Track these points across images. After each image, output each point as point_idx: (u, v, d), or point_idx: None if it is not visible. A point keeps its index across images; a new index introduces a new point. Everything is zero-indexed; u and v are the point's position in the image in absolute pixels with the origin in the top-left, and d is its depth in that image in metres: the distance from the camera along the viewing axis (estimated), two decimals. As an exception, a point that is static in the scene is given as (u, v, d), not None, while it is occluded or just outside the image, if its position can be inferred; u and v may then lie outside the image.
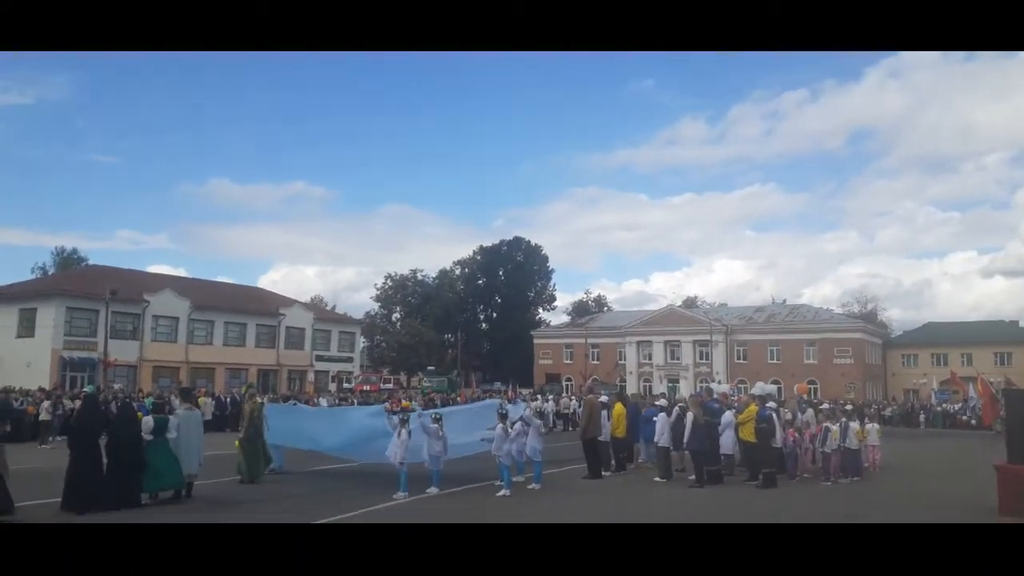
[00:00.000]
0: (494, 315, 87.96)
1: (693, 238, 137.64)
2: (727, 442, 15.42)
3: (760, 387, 22.63)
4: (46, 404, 23.55)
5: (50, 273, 71.06)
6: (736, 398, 19.79)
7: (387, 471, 13.81)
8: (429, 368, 67.49)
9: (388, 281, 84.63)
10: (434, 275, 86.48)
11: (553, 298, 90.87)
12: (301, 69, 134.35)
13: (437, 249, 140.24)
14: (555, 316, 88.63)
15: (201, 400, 25.20)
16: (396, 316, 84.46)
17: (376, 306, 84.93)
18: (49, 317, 41.97)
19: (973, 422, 39.13)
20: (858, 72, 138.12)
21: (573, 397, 36.98)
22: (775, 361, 63.05)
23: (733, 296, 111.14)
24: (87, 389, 18.01)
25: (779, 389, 43.92)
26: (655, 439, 15.94)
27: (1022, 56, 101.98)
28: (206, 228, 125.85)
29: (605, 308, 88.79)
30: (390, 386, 56.62)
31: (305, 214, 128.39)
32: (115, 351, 39.46)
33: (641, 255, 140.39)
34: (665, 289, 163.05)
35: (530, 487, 13.82)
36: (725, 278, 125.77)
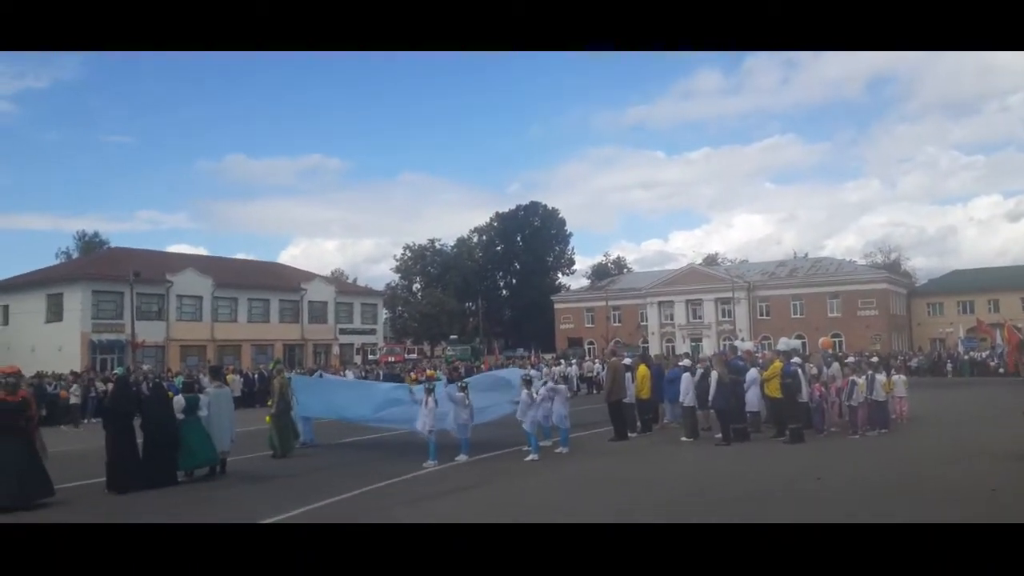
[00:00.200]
0: (514, 281, 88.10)
1: (712, 194, 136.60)
2: (753, 399, 15.42)
3: (784, 342, 22.61)
4: (75, 388, 24.01)
5: (74, 257, 72.00)
6: (760, 355, 19.74)
7: (416, 441, 13.98)
8: (452, 337, 67.95)
9: (407, 252, 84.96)
10: (452, 244, 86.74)
11: (572, 262, 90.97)
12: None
13: (454, 216, 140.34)
14: (575, 280, 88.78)
15: (230, 377, 25.56)
16: (416, 286, 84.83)
17: (396, 277, 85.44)
18: (76, 301, 42.62)
19: (1001, 370, 38.70)
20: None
21: (597, 360, 37.06)
22: (799, 316, 62.71)
23: (754, 251, 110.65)
24: (118, 371, 18.35)
25: (803, 344, 43.84)
26: (680, 399, 15.98)
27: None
28: (224, 205, 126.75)
29: (625, 270, 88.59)
30: (414, 356, 57.14)
31: (322, 187, 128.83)
32: (142, 332, 40.03)
33: (659, 214, 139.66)
34: (685, 248, 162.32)
35: (557, 451, 13.93)
36: (745, 233, 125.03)
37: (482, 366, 37.87)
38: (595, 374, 32.68)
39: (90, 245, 77.09)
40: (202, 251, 73.05)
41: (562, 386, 15.20)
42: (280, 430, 14.66)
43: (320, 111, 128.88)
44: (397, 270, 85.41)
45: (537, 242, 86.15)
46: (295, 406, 15.35)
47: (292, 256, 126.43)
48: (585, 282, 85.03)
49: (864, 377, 15.51)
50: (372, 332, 59.87)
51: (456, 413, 13.47)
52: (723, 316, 66.17)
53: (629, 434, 15.89)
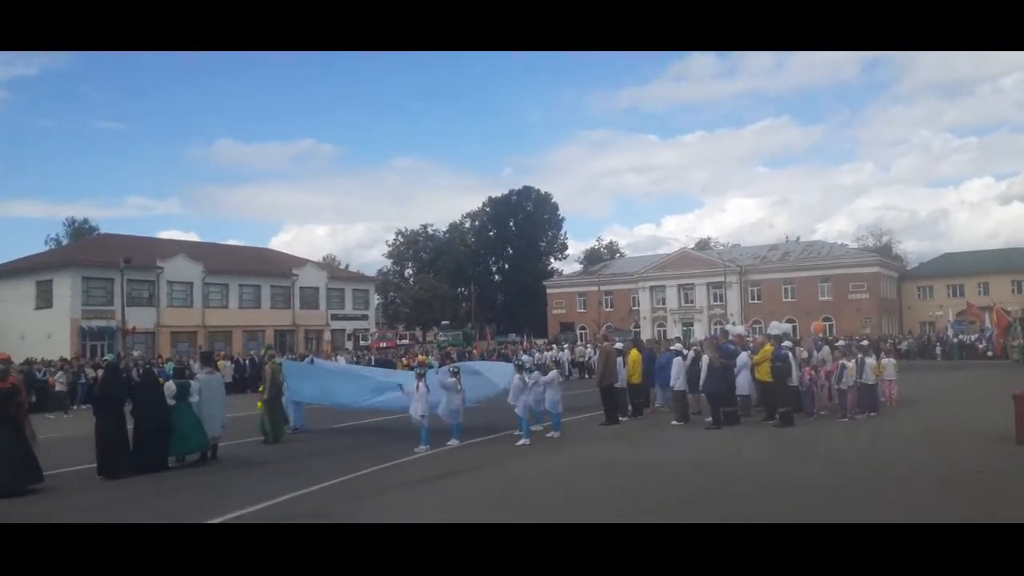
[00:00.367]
0: (506, 267, 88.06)
1: (705, 177, 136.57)
2: (743, 383, 15.51)
3: (775, 326, 22.72)
4: (60, 375, 23.83)
5: (64, 244, 71.56)
6: (751, 339, 19.82)
7: (408, 426, 14.00)
8: (444, 322, 67.92)
9: (399, 237, 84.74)
10: (444, 229, 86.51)
11: (565, 247, 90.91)
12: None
13: (446, 201, 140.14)
14: (567, 265, 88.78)
15: (220, 363, 25.53)
16: (409, 272, 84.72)
17: (388, 263, 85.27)
18: (66, 288, 42.39)
19: (990, 353, 39.04)
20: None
21: (589, 345, 37.16)
22: (790, 299, 62.92)
23: (746, 235, 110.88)
24: (108, 357, 18.31)
25: (794, 328, 44.03)
26: (671, 383, 16.04)
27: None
28: (215, 190, 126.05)
29: (617, 254, 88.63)
30: (406, 342, 57.12)
31: (313, 172, 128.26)
32: (132, 318, 39.83)
33: (652, 198, 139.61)
34: (678, 232, 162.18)
35: (549, 435, 13.98)
36: (738, 217, 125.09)
37: (474, 351, 37.92)
38: (587, 359, 32.77)
39: (80, 231, 76.66)
40: (193, 237, 72.85)
41: (553, 371, 15.22)
42: (272, 416, 14.68)
43: (311, 96, 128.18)
44: (389, 256, 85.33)
45: (530, 227, 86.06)
46: (285, 391, 15.37)
47: (283, 242, 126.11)
48: (578, 267, 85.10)
49: (854, 361, 15.60)
50: (364, 318, 59.78)
51: (448, 399, 13.51)
52: (715, 300, 66.31)
53: (620, 418, 15.96)
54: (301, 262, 57.53)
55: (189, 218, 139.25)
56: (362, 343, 52.87)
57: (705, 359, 14.94)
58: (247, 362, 31.72)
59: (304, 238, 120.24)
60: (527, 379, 13.99)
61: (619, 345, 17.94)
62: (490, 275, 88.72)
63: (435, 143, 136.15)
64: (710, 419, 14.75)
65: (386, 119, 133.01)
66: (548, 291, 76.31)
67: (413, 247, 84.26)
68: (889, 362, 17.90)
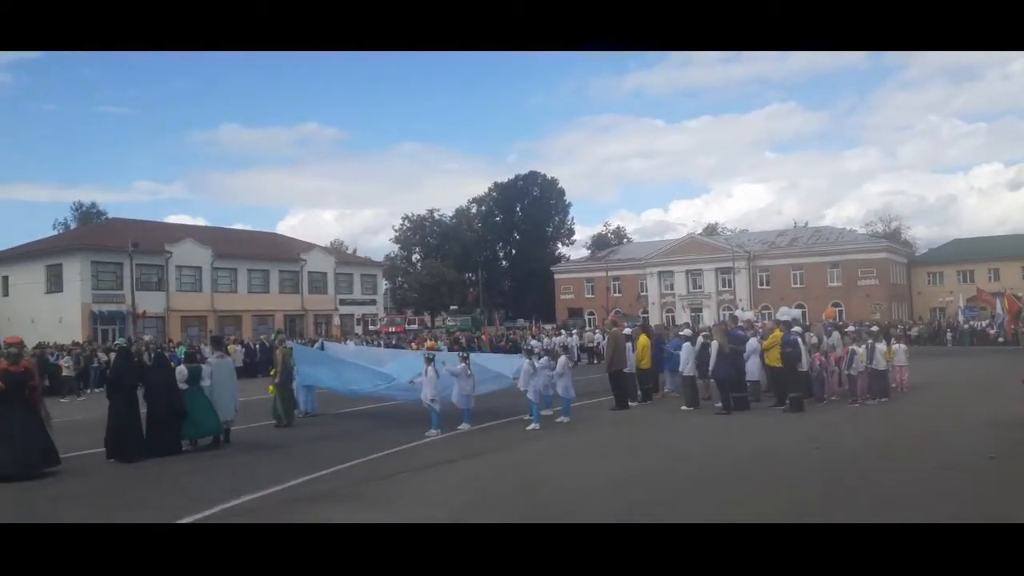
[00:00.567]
0: (513, 252, 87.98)
1: (712, 163, 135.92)
2: (753, 368, 15.49)
3: (785, 312, 22.65)
4: (67, 359, 23.82)
5: (72, 228, 71.79)
6: (761, 324, 19.79)
7: (419, 411, 14.04)
8: (452, 307, 68.06)
9: (406, 222, 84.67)
10: (451, 214, 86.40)
11: (572, 232, 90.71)
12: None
13: (452, 186, 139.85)
14: (574, 250, 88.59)
15: (231, 348, 25.63)
16: (416, 257, 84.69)
17: (396, 248, 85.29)
18: (75, 272, 42.59)
19: (1000, 339, 38.89)
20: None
21: (597, 330, 37.16)
22: (799, 285, 62.70)
23: (754, 221, 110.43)
24: (119, 342, 18.41)
25: (803, 313, 43.93)
26: (680, 368, 16.04)
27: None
28: (221, 175, 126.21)
29: (625, 240, 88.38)
30: (415, 327, 57.28)
31: (319, 156, 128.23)
32: (142, 303, 40.01)
33: (659, 183, 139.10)
34: (685, 217, 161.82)
35: (559, 420, 14.02)
36: (746, 203, 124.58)
37: (482, 336, 37.99)
38: (595, 344, 32.78)
39: (88, 215, 76.92)
40: (201, 221, 72.99)
41: (563, 358, 15.24)
42: (284, 400, 14.76)
43: (317, 81, 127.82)
44: (396, 240, 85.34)
45: (536, 212, 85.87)
46: (296, 375, 15.43)
47: (290, 226, 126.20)
48: (585, 252, 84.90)
49: (864, 346, 15.56)
50: (372, 303, 59.89)
51: (459, 385, 13.54)
52: (723, 286, 66.16)
53: (629, 403, 15.97)
54: (309, 247, 57.61)
55: (195, 203, 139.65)
56: (371, 328, 53.01)
57: (714, 344, 14.91)
58: (257, 346, 31.86)
59: (312, 222, 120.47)
60: (536, 364, 14.03)
61: (628, 330, 17.93)
62: (497, 260, 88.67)
63: (441, 129, 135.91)
64: (720, 404, 14.75)
65: (392, 104, 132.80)
66: (556, 277, 76.22)
67: (420, 232, 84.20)
68: (900, 348, 17.88)
